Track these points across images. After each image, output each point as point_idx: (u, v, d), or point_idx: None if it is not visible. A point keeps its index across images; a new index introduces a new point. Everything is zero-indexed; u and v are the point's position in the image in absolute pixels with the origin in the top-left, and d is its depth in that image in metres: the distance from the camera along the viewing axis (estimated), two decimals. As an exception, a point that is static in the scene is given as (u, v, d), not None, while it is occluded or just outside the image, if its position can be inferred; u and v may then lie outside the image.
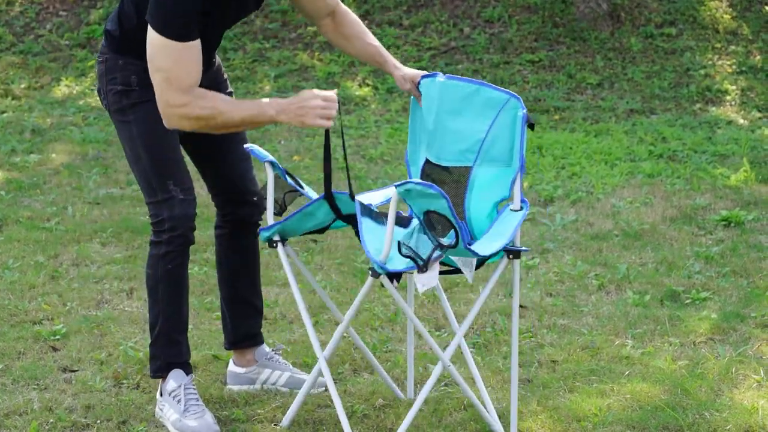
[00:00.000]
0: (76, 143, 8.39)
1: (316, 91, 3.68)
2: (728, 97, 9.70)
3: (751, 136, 8.53)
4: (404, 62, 10.48)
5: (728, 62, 10.36)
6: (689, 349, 4.68)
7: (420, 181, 3.58)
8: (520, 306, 5.17)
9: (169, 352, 4.00)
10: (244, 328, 4.27)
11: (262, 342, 4.34)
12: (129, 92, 3.87)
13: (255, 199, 4.11)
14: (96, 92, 3.99)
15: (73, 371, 4.45)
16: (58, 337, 4.78)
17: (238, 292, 4.23)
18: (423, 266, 3.48)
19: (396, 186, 3.47)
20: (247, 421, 4.03)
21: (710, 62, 10.35)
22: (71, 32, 11.32)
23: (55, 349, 4.66)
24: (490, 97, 3.84)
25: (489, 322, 4.99)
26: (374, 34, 11.11)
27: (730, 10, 11.20)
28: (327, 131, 3.76)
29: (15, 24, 11.49)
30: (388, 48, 10.75)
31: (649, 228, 6.38)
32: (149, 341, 4.06)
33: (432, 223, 3.48)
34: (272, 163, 3.81)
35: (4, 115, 9.32)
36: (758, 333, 4.84)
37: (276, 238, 3.85)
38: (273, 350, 4.36)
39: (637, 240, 6.18)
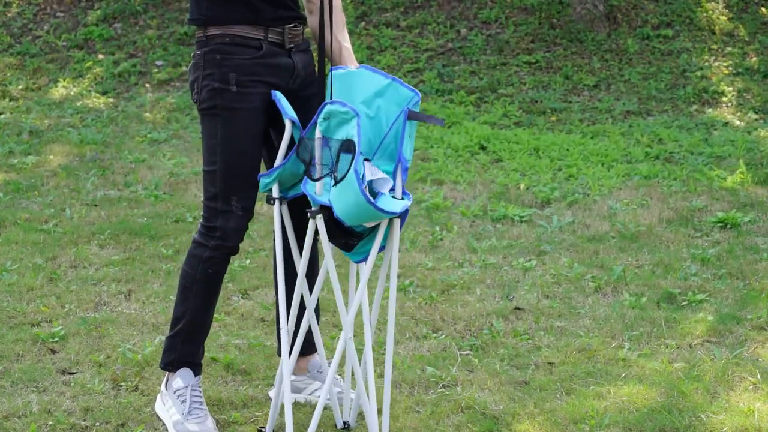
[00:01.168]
0: (74, 145, 8.40)
1: None
2: (724, 99, 9.72)
3: (748, 138, 8.55)
4: (401, 63, 10.49)
5: (725, 64, 10.38)
6: (685, 351, 4.69)
7: (336, 100, 3.61)
8: (517, 308, 5.20)
9: (186, 350, 4.00)
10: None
11: (314, 351, 4.21)
12: (225, 92, 3.75)
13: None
14: (189, 85, 3.93)
15: (72, 373, 4.46)
16: (56, 339, 4.79)
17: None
18: (309, 170, 3.58)
19: (318, 118, 3.56)
20: (245, 424, 4.04)
21: (707, 64, 10.37)
22: (68, 33, 11.33)
23: (53, 351, 4.67)
24: (398, 93, 3.79)
25: (486, 324, 5.00)
26: (371, 35, 11.15)
27: (727, 11, 11.23)
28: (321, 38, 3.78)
29: (12, 25, 11.50)
30: (384, 49, 10.77)
31: (646, 230, 6.40)
32: (168, 332, 4.05)
33: (342, 154, 3.54)
34: (293, 123, 3.75)
35: (2, 116, 9.34)
36: (754, 335, 4.86)
37: (275, 194, 3.78)
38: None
39: (634, 242, 6.20)
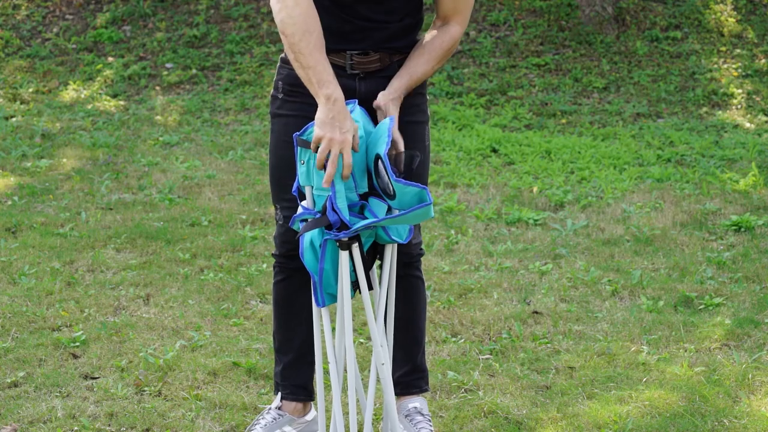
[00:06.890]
0: (86, 148, 8.41)
1: (343, 138, 3.38)
2: (734, 101, 9.74)
3: (758, 140, 8.57)
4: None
5: (734, 66, 10.40)
6: (705, 355, 4.71)
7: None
8: (535, 312, 5.22)
9: (275, 369, 3.99)
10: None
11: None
12: (275, 99, 3.78)
13: None
14: None
15: (95, 378, 4.48)
16: (77, 344, 4.80)
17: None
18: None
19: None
20: (269, 429, 4.06)
21: (716, 66, 10.38)
22: (78, 36, 11.35)
23: (75, 356, 4.69)
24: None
25: (505, 328, 5.02)
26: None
27: (735, 13, 11.24)
28: None
29: (22, 28, 11.52)
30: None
31: (660, 233, 6.41)
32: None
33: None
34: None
35: (13, 119, 9.35)
36: (772, 339, 4.88)
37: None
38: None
39: (649, 245, 6.21)
